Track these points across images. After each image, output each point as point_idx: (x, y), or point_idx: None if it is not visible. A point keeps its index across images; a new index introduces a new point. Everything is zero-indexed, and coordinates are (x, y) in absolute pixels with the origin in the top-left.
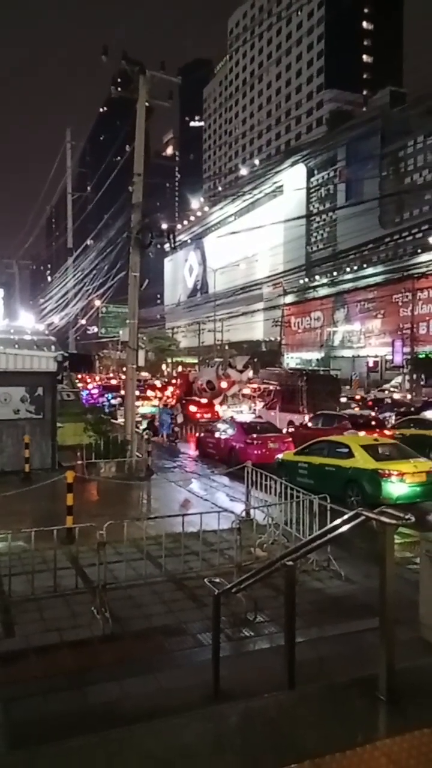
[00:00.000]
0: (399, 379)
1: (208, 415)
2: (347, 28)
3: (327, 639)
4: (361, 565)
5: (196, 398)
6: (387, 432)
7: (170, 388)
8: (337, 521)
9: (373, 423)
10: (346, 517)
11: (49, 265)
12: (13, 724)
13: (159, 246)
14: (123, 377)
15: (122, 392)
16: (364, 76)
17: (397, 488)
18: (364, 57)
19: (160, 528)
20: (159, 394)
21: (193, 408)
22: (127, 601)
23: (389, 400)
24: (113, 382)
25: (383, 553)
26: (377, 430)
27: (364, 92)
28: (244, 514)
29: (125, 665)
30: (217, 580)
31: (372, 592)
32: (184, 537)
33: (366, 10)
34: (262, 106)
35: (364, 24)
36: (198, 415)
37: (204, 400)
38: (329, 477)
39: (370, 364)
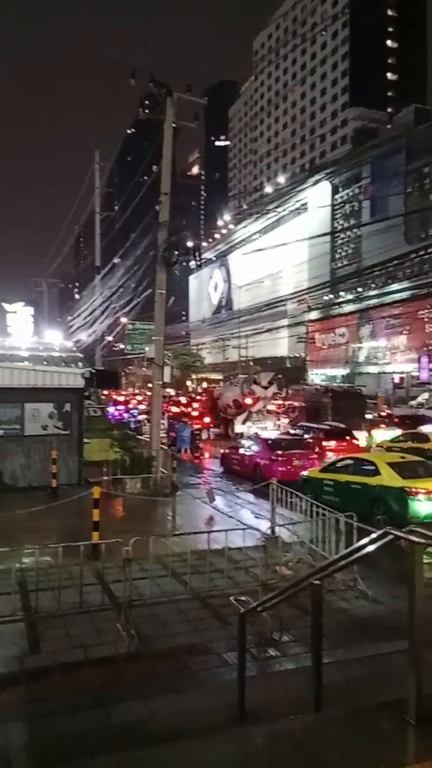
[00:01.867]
0: (425, 395)
1: (198, 427)
2: (371, 46)
3: (354, 661)
4: (388, 585)
5: (194, 411)
6: (355, 441)
7: (195, 404)
8: (365, 540)
9: (343, 434)
10: (374, 535)
11: (77, 283)
12: (38, 741)
13: (184, 263)
14: (148, 393)
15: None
16: (389, 93)
17: (424, 506)
18: (389, 75)
19: (185, 545)
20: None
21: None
22: (152, 618)
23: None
24: (138, 398)
25: (412, 573)
26: (347, 438)
27: (389, 110)
28: (269, 531)
29: (150, 684)
30: (243, 598)
31: (399, 613)
32: (209, 554)
33: (390, 29)
34: (286, 125)
35: (389, 42)
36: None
37: (195, 413)
38: (355, 495)
39: (396, 381)
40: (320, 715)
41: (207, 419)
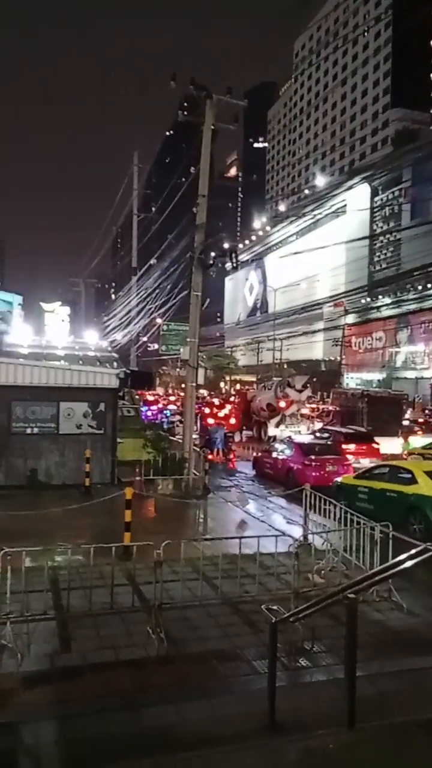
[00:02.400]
0: None
1: (231, 430)
2: (414, 47)
3: (388, 675)
4: (424, 597)
5: (216, 410)
6: (375, 446)
7: (228, 406)
8: (403, 556)
9: (364, 438)
10: (413, 552)
11: (113, 284)
12: (68, 742)
13: (220, 265)
14: (182, 394)
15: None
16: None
17: None
18: None
19: (216, 548)
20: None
21: (210, 420)
22: (183, 622)
23: None
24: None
25: None
26: (368, 443)
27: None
28: (302, 538)
29: (180, 688)
30: (274, 607)
31: None
32: (240, 559)
33: None
34: (326, 127)
35: None
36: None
37: (222, 413)
38: (390, 503)
39: None
40: (354, 733)
41: (233, 420)
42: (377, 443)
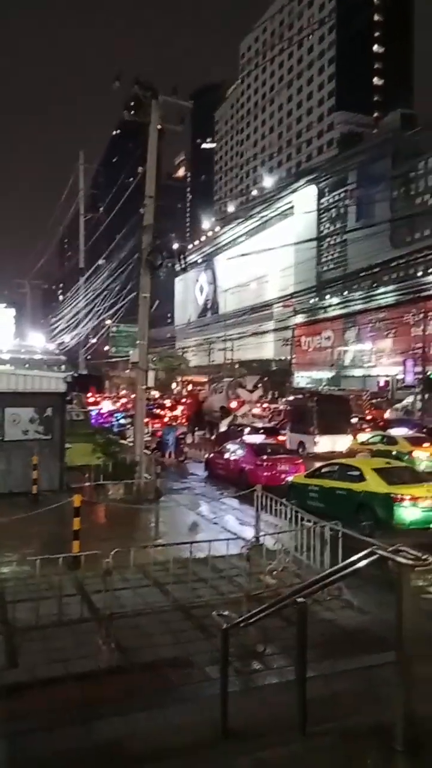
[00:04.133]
0: (410, 398)
1: (158, 425)
2: (358, 51)
3: (340, 674)
4: (374, 593)
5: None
6: (281, 438)
7: (179, 408)
8: (353, 558)
9: (272, 432)
10: (361, 554)
11: (61, 285)
12: (15, 761)
13: (170, 266)
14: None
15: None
16: (375, 98)
17: (410, 513)
18: (375, 80)
19: (168, 553)
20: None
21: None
22: (134, 630)
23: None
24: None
25: (400, 593)
26: (274, 436)
27: (375, 114)
28: (253, 539)
29: (131, 699)
30: (226, 612)
31: (386, 623)
32: (192, 563)
33: (377, 34)
34: (273, 128)
35: (375, 47)
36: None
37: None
38: (340, 501)
39: (381, 384)
40: (305, 742)
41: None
42: (283, 435)
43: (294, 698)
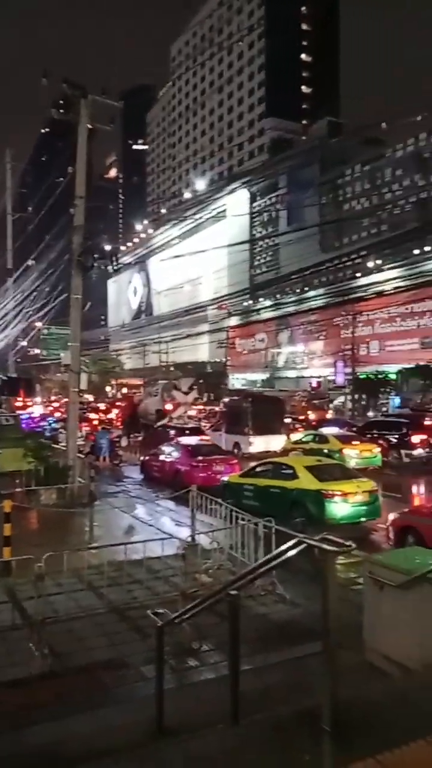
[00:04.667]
0: (341, 399)
1: (87, 429)
2: (287, 59)
3: (272, 666)
4: (305, 586)
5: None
6: (206, 437)
7: (114, 411)
8: (282, 548)
9: (196, 431)
10: (289, 544)
11: None
12: None
13: (102, 267)
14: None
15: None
16: (304, 106)
17: (340, 508)
18: (303, 88)
19: (102, 556)
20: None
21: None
22: (68, 635)
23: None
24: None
25: (325, 580)
26: (199, 435)
27: (304, 122)
28: (189, 539)
29: (65, 703)
30: (161, 610)
31: (316, 615)
32: (127, 565)
33: (305, 43)
34: (205, 132)
35: (303, 56)
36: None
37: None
38: (274, 499)
39: (314, 385)
40: (237, 729)
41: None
42: (206, 433)
43: (228, 693)
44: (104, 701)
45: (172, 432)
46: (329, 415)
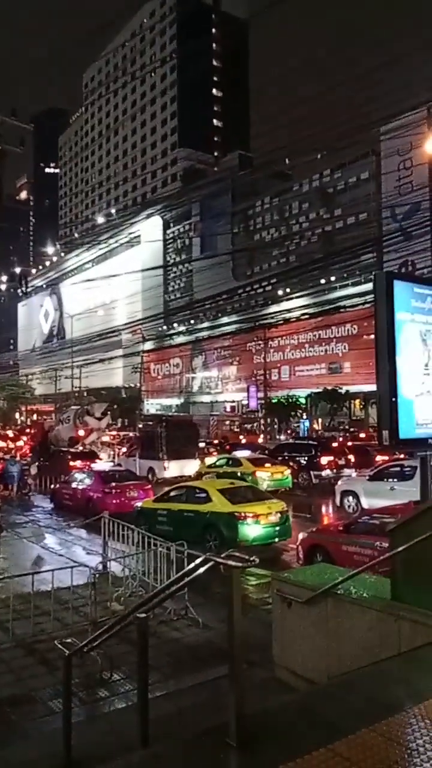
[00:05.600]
0: (254, 423)
1: (26, 462)
2: (198, 93)
3: (184, 690)
4: (218, 609)
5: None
6: (97, 461)
7: (23, 438)
8: (189, 566)
9: (90, 455)
10: (196, 562)
11: None
12: None
13: (12, 290)
14: None
15: None
16: (215, 138)
17: (252, 530)
18: (215, 121)
19: (8, 589)
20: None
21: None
22: None
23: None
24: None
25: (231, 596)
26: (91, 460)
27: (215, 153)
28: (100, 567)
29: None
30: (69, 640)
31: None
32: (34, 597)
33: (215, 78)
34: (118, 159)
35: (214, 91)
36: None
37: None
38: (188, 523)
39: (228, 409)
40: (146, 752)
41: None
42: (100, 458)
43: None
44: (10, 739)
45: (69, 456)
46: (260, 439)
